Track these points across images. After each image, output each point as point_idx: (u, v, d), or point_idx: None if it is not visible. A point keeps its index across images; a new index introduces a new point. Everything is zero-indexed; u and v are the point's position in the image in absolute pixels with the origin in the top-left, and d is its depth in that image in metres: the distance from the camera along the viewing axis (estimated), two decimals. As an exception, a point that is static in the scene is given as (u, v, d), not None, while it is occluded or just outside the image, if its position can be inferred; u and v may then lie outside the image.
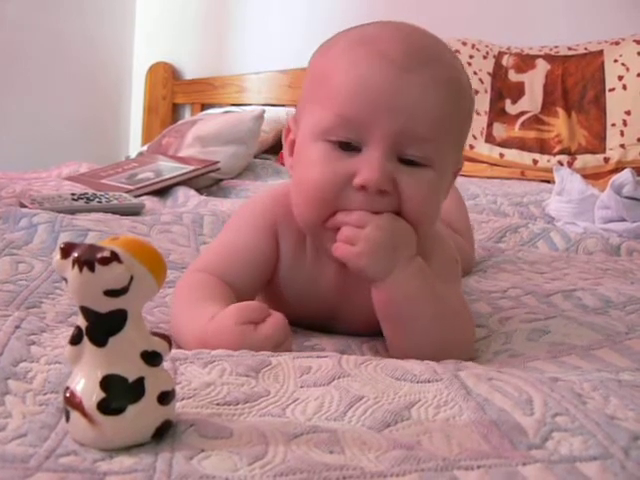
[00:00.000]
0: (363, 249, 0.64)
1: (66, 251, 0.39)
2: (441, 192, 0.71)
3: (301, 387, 0.51)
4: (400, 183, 0.66)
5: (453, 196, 1.19)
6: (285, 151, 0.76)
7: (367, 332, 0.74)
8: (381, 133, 0.65)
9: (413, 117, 0.65)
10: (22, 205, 1.29)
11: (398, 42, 0.66)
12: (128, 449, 0.41)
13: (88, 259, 0.38)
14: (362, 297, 0.70)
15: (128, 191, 1.61)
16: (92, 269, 0.38)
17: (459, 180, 1.88)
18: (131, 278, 0.39)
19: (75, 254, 0.39)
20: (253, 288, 0.75)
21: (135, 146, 2.91)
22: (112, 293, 0.39)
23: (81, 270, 0.38)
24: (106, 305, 0.39)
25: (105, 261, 0.38)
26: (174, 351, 0.55)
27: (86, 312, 0.40)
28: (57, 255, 0.40)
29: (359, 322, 0.74)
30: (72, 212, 1.20)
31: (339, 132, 0.66)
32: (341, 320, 0.76)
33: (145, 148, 2.36)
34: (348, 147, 0.66)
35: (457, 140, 0.72)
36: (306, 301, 0.75)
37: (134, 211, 1.36)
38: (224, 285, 0.71)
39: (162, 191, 1.72)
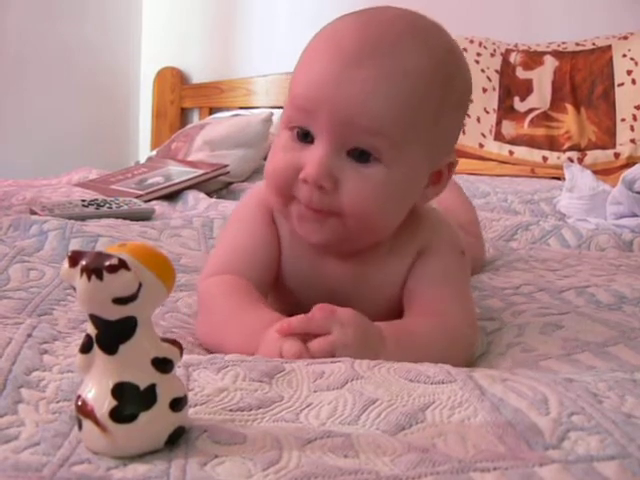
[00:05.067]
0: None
1: (74, 259, 0.39)
2: (397, 191, 0.68)
3: (314, 392, 0.51)
4: (343, 180, 0.65)
5: (456, 194, 1.16)
6: None
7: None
8: (326, 124, 0.65)
9: (360, 109, 0.64)
10: (33, 212, 1.29)
11: (353, 33, 0.66)
12: (141, 456, 0.40)
13: (96, 267, 0.38)
14: (368, 284, 0.69)
15: (138, 196, 1.61)
16: (100, 277, 0.38)
17: (470, 179, 1.90)
18: (140, 285, 0.39)
19: (83, 262, 0.39)
20: (270, 277, 0.75)
21: (144, 151, 2.91)
22: (121, 301, 0.39)
23: (89, 278, 0.38)
24: (115, 313, 0.39)
25: (113, 269, 0.38)
26: (187, 356, 0.54)
27: (96, 320, 0.40)
28: (65, 263, 0.40)
29: (369, 310, 0.69)
30: (82, 218, 1.20)
31: (294, 121, 0.68)
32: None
33: (154, 153, 2.36)
34: (306, 137, 0.67)
35: (429, 134, 0.67)
36: (312, 292, 0.73)
37: (144, 216, 1.37)
38: (250, 284, 0.71)
39: (172, 195, 1.72)
